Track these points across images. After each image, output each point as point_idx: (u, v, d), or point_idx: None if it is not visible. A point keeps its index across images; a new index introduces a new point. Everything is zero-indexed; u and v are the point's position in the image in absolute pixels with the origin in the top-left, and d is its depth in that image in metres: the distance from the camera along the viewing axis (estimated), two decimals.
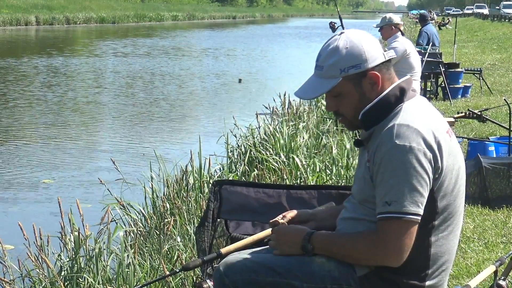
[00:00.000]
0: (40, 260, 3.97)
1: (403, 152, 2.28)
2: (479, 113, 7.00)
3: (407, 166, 2.27)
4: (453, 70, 13.41)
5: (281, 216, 2.70)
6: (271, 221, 2.69)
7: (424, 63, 10.88)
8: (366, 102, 2.43)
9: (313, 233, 2.46)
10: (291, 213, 2.72)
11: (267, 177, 5.79)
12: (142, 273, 4.02)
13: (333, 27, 7.86)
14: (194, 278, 4.02)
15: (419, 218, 2.29)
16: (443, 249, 2.42)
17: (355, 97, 2.43)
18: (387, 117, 2.38)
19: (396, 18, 7.94)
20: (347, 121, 2.50)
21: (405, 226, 2.28)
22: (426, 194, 2.30)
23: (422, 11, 17.01)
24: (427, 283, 2.41)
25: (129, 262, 3.99)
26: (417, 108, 2.40)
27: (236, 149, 7.42)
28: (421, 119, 2.35)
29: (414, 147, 2.28)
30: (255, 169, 6.19)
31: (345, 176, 5.96)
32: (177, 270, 3.02)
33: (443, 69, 12.59)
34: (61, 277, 3.94)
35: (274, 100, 9.37)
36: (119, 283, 3.97)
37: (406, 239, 2.29)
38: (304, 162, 6.21)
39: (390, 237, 2.29)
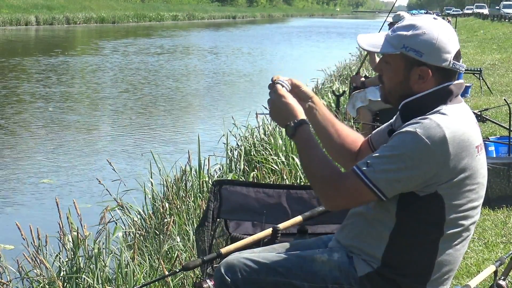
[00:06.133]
0: (37, 261, 3.96)
1: (413, 139, 2.24)
2: (479, 113, 6.98)
3: (406, 151, 2.24)
4: None
5: (287, 79, 2.58)
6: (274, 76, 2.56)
7: None
8: (406, 88, 2.39)
9: (304, 123, 2.42)
10: (296, 81, 2.61)
11: (267, 177, 5.78)
12: (141, 273, 4.01)
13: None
14: (194, 278, 4.01)
15: (382, 197, 2.28)
16: (449, 258, 2.39)
17: (399, 77, 2.39)
18: (424, 114, 2.32)
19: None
20: (384, 91, 2.48)
21: (364, 192, 2.28)
22: (404, 187, 2.27)
23: (422, 11, 16.97)
24: None
25: (128, 262, 3.99)
26: (455, 115, 2.32)
27: (236, 149, 7.41)
28: (454, 127, 2.28)
29: (426, 143, 2.23)
30: (255, 169, 6.18)
31: None
32: (177, 270, 3.01)
33: None
34: (60, 277, 3.93)
35: None
36: (119, 283, 3.97)
37: (354, 201, 2.32)
38: None
39: (346, 187, 2.29)
